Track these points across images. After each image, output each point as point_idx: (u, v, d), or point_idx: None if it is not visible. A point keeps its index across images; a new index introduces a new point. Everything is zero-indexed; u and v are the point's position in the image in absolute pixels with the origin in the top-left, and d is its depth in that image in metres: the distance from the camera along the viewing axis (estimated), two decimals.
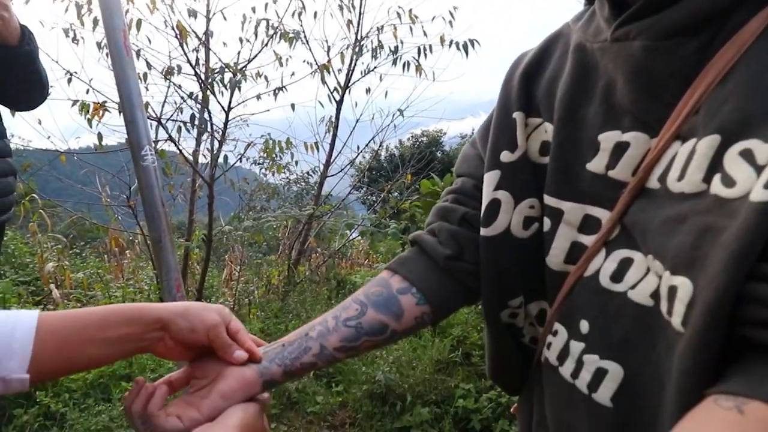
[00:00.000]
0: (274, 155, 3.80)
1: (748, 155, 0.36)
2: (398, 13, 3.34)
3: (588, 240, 0.51)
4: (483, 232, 0.59)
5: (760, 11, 0.40)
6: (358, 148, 3.95)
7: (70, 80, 2.89)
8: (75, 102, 2.70)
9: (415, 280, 0.63)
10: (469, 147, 0.70)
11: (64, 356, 0.49)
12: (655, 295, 0.43)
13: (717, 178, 0.38)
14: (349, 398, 2.10)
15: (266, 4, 3.23)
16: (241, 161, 3.71)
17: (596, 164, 0.50)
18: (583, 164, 0.51)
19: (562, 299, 0.53)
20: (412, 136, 9.79)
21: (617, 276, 0.47)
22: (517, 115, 0.58)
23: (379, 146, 4.35)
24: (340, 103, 3.78)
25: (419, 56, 3.55)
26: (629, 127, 0.48)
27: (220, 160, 3.18)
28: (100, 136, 2.77)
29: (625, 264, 0.46)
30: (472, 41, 3.51)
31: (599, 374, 0.47)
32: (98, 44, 2.98)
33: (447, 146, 10.20)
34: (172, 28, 2.99)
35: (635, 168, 0.47)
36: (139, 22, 2.87)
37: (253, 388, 0.57)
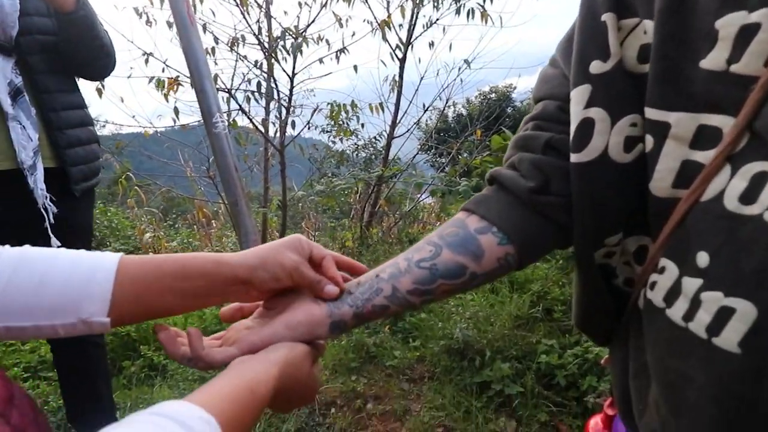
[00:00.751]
0: (340, 121, 3.78)
1: None
2: None
3: (704, 156, 0.41)
4: (574, 158, 0.50)
5: None
6: (424, 106, 3.81)
7: (147, 60, 3.02)
8: (151, 78, 2.82)
9: (494, 219, 0.55)
10: (548, 67, 0.59)
11: (144, 302, 0.48)
12: None
13: None
14: (426, 353, 2.08)
15: None
16: (308, 128, 3.74)
17: (713, 60, 0.40)
18: (695, 62, 0.41)
19: (671, 231, 0.44)
20: (480, 94, 9.36)
21: (749, 196, 0.38)
22: (607, 17, 0.48)
23: (446, 104, 4.17)
24: (402, 61, 3.64)
25: (484, 2, 3.31)
26: (758, 3, 0.37)
27: (289, 127, 3.21)
28: (176, 110, 2.88)
29: (760, 180, 0.37)
30: None
31: (723, 314, 0.39)
32: (168, 23, 3.07)
33: (518, 102, 9.65)
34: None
35: None
36: None
37: (319, 326, 0.54)
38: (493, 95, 9.29)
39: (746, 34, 0.38)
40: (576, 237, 0.53)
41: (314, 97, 3.59)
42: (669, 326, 0.44)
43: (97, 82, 2.67)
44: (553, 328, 2.02)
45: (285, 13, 3.73)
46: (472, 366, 1.89)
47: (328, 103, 3.64)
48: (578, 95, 0.49)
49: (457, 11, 3.44)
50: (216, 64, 3.27)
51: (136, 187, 4.92)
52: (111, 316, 0.46)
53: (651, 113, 0.44)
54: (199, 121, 3.50)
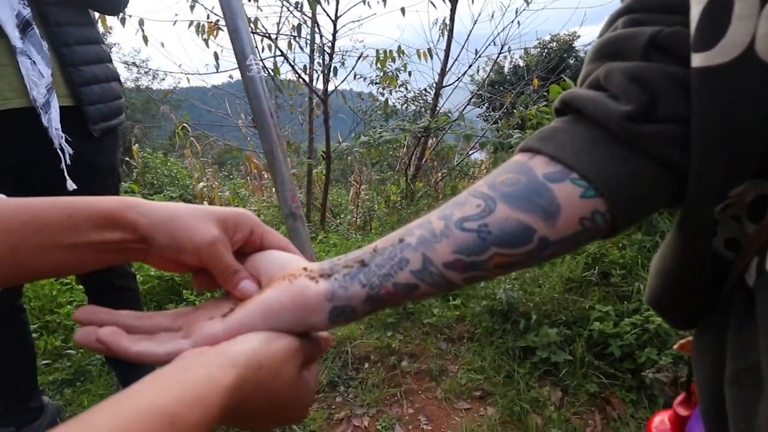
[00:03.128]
0: (387, 69, 3.51)
1: None
2: None
3: None
4: (699, 59, 0.31)
5: None
6: (476, 52, 3.46)
7: (192, 7, 2.88)
8: (191, 23, 2.68)
9: (573, 161, 0.34)
10: None
11: (21, 261, 0.34)
12: None
13: None
14: (467, 312, 1.91)
15: None
16: (354, 77, 3.51)
17: None
18: None
19: None
20: (539, 44, 8.55)
21: None
22: None
23: (500, 51, 3.76)
24: (454, 2, 3.28)
25: None
26: None
27: (333, 75, 3.00)
28: (216, 56, 2.75)
29: None
30: None
31: None
32: None
33: (581, 52, 8.75)
34: None
35: None
36: None
37: (314, 313, 0.35)
38: (554, 44, 8.48)
39: None
40: (694, 185, 0.33)
41: (361, 46, 3.35)
42: None
43: (139, 31, 2.57)
44: (610, 293, 1.77)
45: None
46: (515, 329, 1.71)
47: (375, 50, 3.38)
48: None
49: None
50: (260, 10, 3.09)
51: (192, 138, 4.97)
52: None
53: None
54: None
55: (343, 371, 1.70)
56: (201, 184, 4.03)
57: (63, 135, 1.19)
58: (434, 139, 3.43)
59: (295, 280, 0.36)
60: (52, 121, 1.17)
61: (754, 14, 0.28)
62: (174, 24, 2.87)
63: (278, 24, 3.09)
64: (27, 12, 1.13)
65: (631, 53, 0.34)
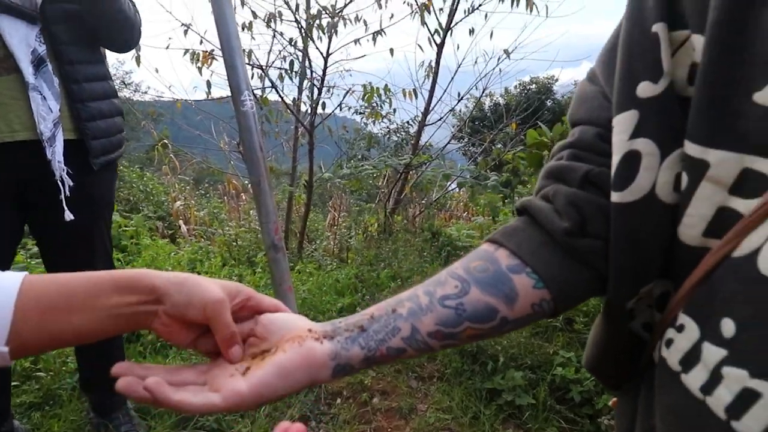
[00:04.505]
0: (373, 103, 3.68)
1: None
2: None
3: (744, 205, 0.35)
4: (616, 197, 0.42)
5: None
6: (459, 95, 3.66)
7: (186, 32, 2.98)
8: (186, 51, 2.78)
9: (527, 258, 0.46)
10: (587, 83, 0.50)
11: (49, 327, 0.40)
12: None
13: None
14: (438, 352, 2.00)
15: None
16: (340, 109, 3.65)
17: None
18: (749, 94, 0.34)
19: (695, 285, 0.38)
20: (519, 84, 8.99)
21: None
22: (659, 28, 0.39)
23: (482, 93, 3.99)
24: (440, 46, 3.49)
25: None
26: None
27: (320, 107, 3.13)
28: (208, 84, 2.84)
29: None
30: None
31: (746, 397, 0.33)
32: None
33: (558, 94, 9.23)
34: None
35: None
36: None
37: (320, 371, 0.44)
38: (534, 86, 8.91)
39: None
40: (610, 286, 0.45)
41: (349, 77, 3.50)
42: (684, 394, 0.37)
43: (132, 52, 2.64)
44: (573, 339, 1.91)
45: None
46: (483, 370, 1.81)
47: (362, 85, 3.54)
48: (623, 123, 0.41)
49: None
50: (253, 38, 3.22)
51: (171, 155, 4.99)
52: (10, 345, 0.39)
53: (690, 148, 0.37)
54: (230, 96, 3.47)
55: (315, 406, 1.76)
56: (178, 203, 4.05)
57: (65, 168, 1.26)
58: (414, 173, 3.58)
59: (304, 343, 0.44)
60: (56, 154, 1.24)
61: (656, 167, 0.40)
62: (167, 48, 2.96)
63: (269, 53, 3.23)
64: (42, 49, 1.22)
65: (571, 182, 0.47)
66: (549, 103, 8.47)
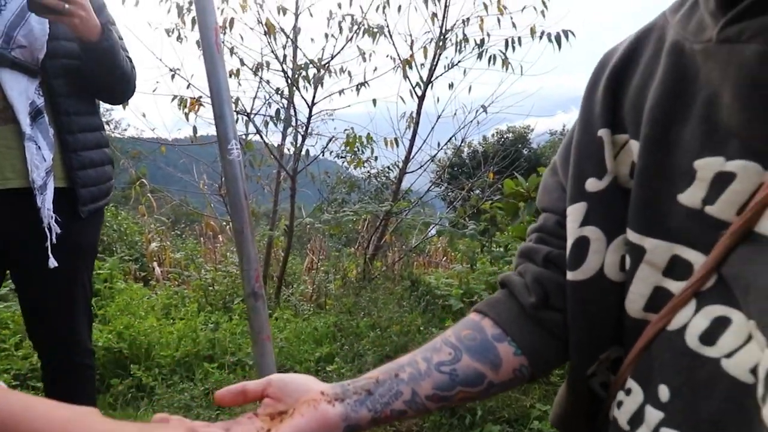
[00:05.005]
0: (355, 149, 3.81)
1: None
2: (485, 5, 3.16)
3: (675, 286, 0.42)
4: (570, 275, 0.49)
5: None
6: (439, 144, 3.83)
7: (173, 77, 3.08)
8: (174, 97, 2.87)
9: (507, 327, 0.54)
10: (549, 175, 0.60)
11: None
12: (757, 371, 0.35)
13: None
14: None
15: (351, 0, 3.21)
16: (323, 155, 3.76)
17: (690, 196, 0.41)
18: (674, 195, 0.42)
19: (638, 353, 0.45)
20: (497, 132, 9.41)
21: (709, 337, 0.38)
22: (603, 133, 0.48)
23: (461, 142, 4.19)
24: (421, 99, 3.68)
25: (506, 49, 3.35)
26: (736, 153, 0.38)
27: (303, 153, 3.23)
28: (194, 129, 2.92)
29: (720, 324, 0.38)
30: (566, 32, 3.23)
31: None
32: (197, 42, 3.14)
33: (534, 143, 9.67)
34: (262, 25, 3.07)
35: (741, 206, 0.38)
36: (231, 21, 2.97)
37: (331, 430, 0.49)
38: (510, 135, 9.33)
39: (722, 180, 0.38)
40: (570, 353, 0.52)
41: (332, 122, 3.63)
42: None
43: None
44: (549, 392, 1.96)
45: (312, 40, 3.85)
46: (461, 424, 1.84)
47: (345, 131, 3.68)
48: (574, 213, 0.49)
49: (479, 56, 3.48)
50: (239, 84, 3.33)
51: (148, 194, 4.98)
52: None
53: (630, 235, 0.45)
54: (214, 135, 3.55)
55: None
56: (153, 244, 4.02)
57: (53, 215, 1.29)
58: (395, 219, 3.67)
59: (318, 406, 0.49)
60: (46, 201, 1.27)
61: (603, 250, 0.48)
62: (153, 91, 3.05)
63: (254, 98, 3.34)
64: (41, 101, 1.28)
65: (537, 261, 0.55)
66: (525, 152, 8.85)
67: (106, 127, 1.55)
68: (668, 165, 0.42)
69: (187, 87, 3.06)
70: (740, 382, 0.35)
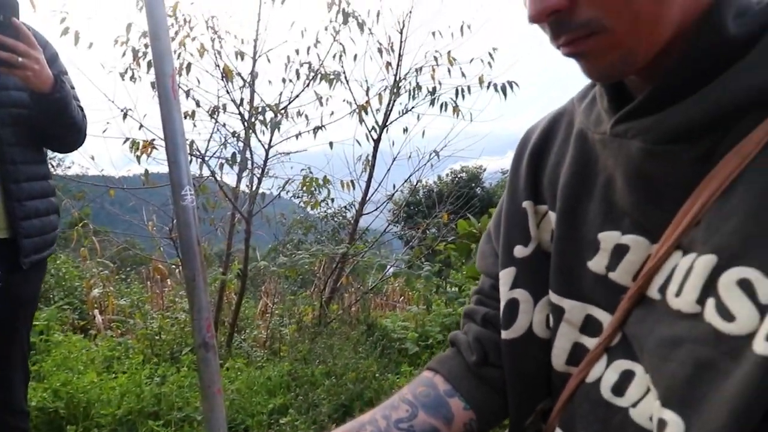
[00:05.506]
0: (312, 190, 3.85)
1: (747, 287, 0.34)
2: (435, 57, 3.37)
3: (590, 342, 0.48)
4: (503, 334, 0.56)
5: (764, 120, 0.36)
6: (394, 186, 3.95)
7: (125, 116, 3.04)
8: (126, 139, 2.84)
9: (456, 383, 0.59)
10: (485, 242, 0.67)
11: None
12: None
13: (711, 304, 0.36)
14: None
15: (308, 48, 3.33)
16: (279, 197, 3.78)
17: (597, 264, 0.48)
18: (584, 262, 0.49)
19: (564, 403, 0.50)
20: (451, 172, 9.77)
21: (618, 389, 0.44)
22: (527, 205, 0.56)
23: (416, 184, 4.33)
24: (377, 142, 3.81)
25: (457, 97, 3.56)
26: (629, 229, 0.46)
27: (259, 195, 3.24)
28: (146, 173, 2.88)
29: (627, 377, 0.44)
30: (510, 83, 3.48)
31: None
32: (152, 84, 3.14)
33: (487, 183, 10.09)
34: (220, 70, 3.12)
35: (636, 273, 0.44)
36: (189, 66, 3.01)
37: None
38: (464, 175, 9.70)
39: (619, 251, 0.46)
40: (509, 406, 0.58)
41: (289, 162, 3.67)
42: None
43: None
44: None
45: (269, 82, 3.93)
46: None
47: (302, 170, 3.71)
48: (505, 277, 0.56)
49: (432, 102, 3.68)
50: (195, 126, 3.33)
51: (92, 236, 4.76)
52: None
53: (552, 296, 0.52)
54: (166, 173, 3.49)
55: None
56: (95, 291, 3.82)
57: None
58: (351, 262, 3.70)
59: None
60: None
61: (531, 311, 0.54)
62: (104, 132, 3.00)
63: (209, 140, 3.34)
64: None
65: (477, 321, 0.61)
66: (479, 191, 9.20)
67: (49, 164, 1.54)
68: (579, 236, 0.50)
69: (140, 128, 3.04)
70: (644, 428, 0.41)
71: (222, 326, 3.43)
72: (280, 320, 3.69)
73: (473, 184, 8.96)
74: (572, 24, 0.39)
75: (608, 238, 0.47)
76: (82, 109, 1.49)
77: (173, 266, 4.67)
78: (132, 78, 3.15)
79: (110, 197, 4.03)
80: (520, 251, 0.55)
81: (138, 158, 2.83)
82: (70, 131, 1.41)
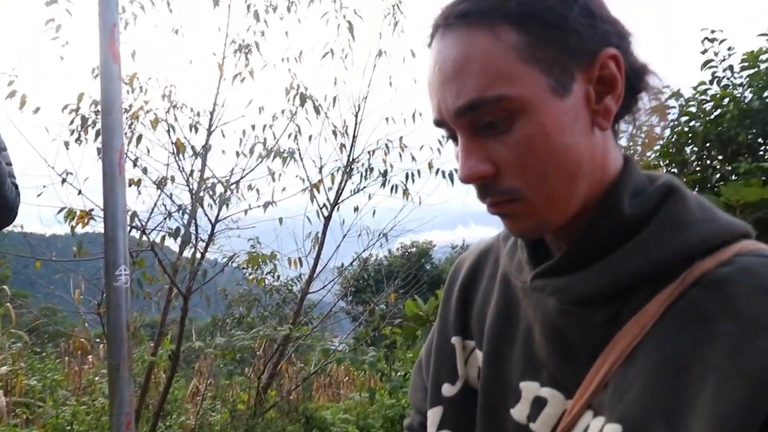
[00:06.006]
0: (257, 265, 3.78)
1: None
2: (386, 145, 3.55)
3: None
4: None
5: (658, 293, 0.42)
6: (343, 265, 3.95)
7: (63, 181, 2.92)
8: (61, 209, 2.72)
9: None
10: (416, 372, 0.70)
11: None
12: None
13: None
14: None
15: (264, 126, 3.42)
16: (223, 271, 3.67)
17: (519, 413, 0.51)
18: (507, 408, 0.52)
19: None
20: (401, 246, 9.93)
21: None
22: (456, 341, 0.59)
23: (365, 262, 4.35)
24: (328, 219, 3.85)
25: (407, 181, 3.71)
26: (546, 381, 0.49)
27: (200, 272, 3.13)
28: (80, 245, 2.75)
29: None
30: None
31: None
32: (98, 149, 3.07)
33: (436, 258, 10.30)
34: (172, 143, 3.12)
35: (554, 426, 0.47)
36: (140, 138, 3.00)
37: None
38: (414, 249, 9.87)
39: (539, 403, 0.49)
40: None
41: (236, 236, 3.60)
42: None
43: None
44: None
45: (223, 152, 3.93)
46: None
47: (249, 239, 3.65)
48: (432, 416, 0.58)
49: (383, 184, 3.81)
50: (139, 193, 3.25)
51: (8, 303, 4.38)
52: None
53: None
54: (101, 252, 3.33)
55: None
56: (2, 368, 3.45)
57: None
58: (293, 344, 3.58)
59: None
60: None
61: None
62: (39, 196, 2.87)
63: (151, 210, 3.25)
64: None
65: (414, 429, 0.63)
66: (428, 266, 9.35)
67: None
68: (504, 379, 0.53)
69: (79, 193, 2.92)
70: None
71: (146, 409, 3.15)
72: (212, 404, 3.45)
73: (423, 260, 9.13)
74: (496, 190, 0.45)
75: (529, 389, 0.50)
76: (16, 187, 1.44)
77: (97, 341, 4.34)
78: (78, 140, 3.08)
79: (30, 258, 3.77)
80: (447, 389, 0.58)
81: (72, 229, 2.70)
82: (1, 210, 1.36)
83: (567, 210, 0.45)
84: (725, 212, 0.45)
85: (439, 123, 0.48)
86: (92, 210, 2.78)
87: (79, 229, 2.76)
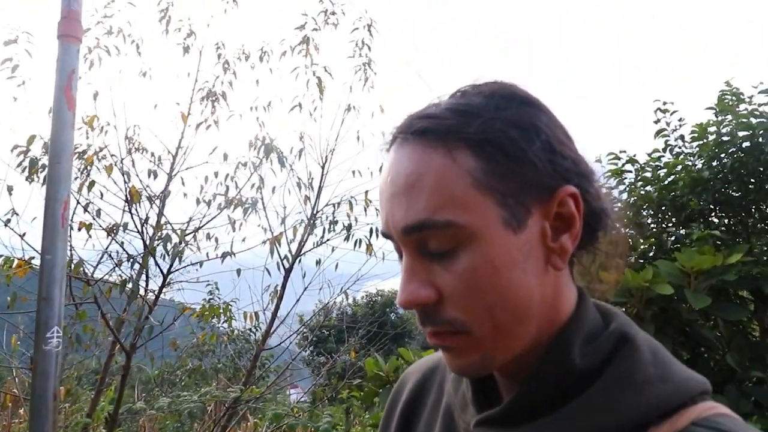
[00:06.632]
0: (210, 319, 3.63)
1: None
2: (350, 203, 3.55)
3: None
4: None
5: None
6: (302, 319, 3.84)
7: (7, 223, 2.76)
8: None
9: None
10: None
11: None
12: None
13: None
14: None
15: (227, 175, 3.38)
16: (174, 323, 3.51)
17: None
18: None
19: None
20: (366, 294, 9.81)
21: None
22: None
23: (327, 313, 4.25)
24: (288, 271, 3.76)
25: (371, 236, 3.69)
26: None
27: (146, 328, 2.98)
28: (14, 296, 2.58)
29: None
30: None
31: None
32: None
33: (401, 309, 10.19)
34: (126, 191, 3.03)
35: None
36: (92, 184, 2.90)
37: None
38: (379, 298, 9.76)
39: None
40: None
41: (190, 288, 3.46)
42: None
43: None
44: None
45: (184, 195, 3.82)
46: None
47: (207, 284, 3.51)
48: None
49: (347, 238, 3.77)
50: (90, 236, 3.10)
51: None
52: None
53: None
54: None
55: None
56: None
57: None
58: (245, 405, 3.40)
59: None
60: None
61: None
62: None
63: (99, 259, 3.10)
64: None
65: None
66: (393, 316, 9.23)
67: None
68: None
69: (23, 235, 2.76)
70: None
71: None
72: None
73: (388, 309, 9.01)
74: (437, 319, 0.43)
75: None
76: None
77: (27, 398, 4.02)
78: (28, 179, 2.94)
79: None
80: None
81: (8, 278, 2.53)
82: None
83: (513, 349, 0.44)
84: (681, 365, 0.43)
85: (386, 236, 0.47)
86: (32, 258, 2.63)
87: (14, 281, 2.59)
